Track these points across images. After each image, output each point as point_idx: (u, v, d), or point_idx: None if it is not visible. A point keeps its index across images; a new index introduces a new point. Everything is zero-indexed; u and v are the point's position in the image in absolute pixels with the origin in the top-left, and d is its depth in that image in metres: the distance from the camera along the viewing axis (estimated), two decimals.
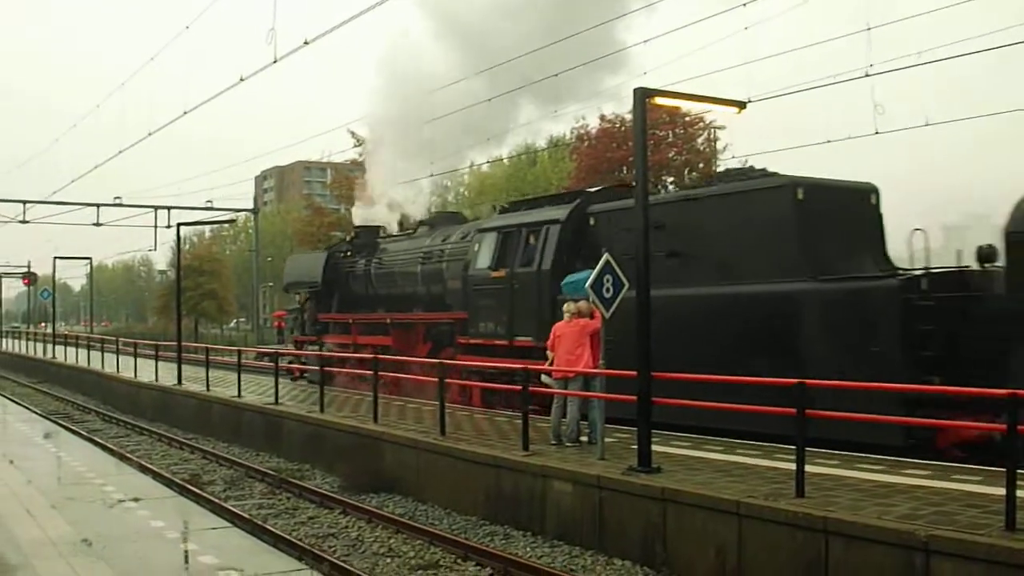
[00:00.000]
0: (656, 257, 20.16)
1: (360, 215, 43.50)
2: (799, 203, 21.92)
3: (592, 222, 27.27)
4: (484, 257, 30.05)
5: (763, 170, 24.60)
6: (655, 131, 58.18)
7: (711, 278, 23.11)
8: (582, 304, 20.90)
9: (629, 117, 61.05)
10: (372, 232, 40.51)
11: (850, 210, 22.71)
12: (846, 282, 20.71)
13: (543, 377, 21.60)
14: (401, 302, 35.78)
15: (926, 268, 20.35)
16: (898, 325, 18.86)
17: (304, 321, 41.84)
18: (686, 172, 67.15)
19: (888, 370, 18.17)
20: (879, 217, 23.44)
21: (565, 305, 21.69)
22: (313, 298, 41.22)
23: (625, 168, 65.62)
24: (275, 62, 28.98)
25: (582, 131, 71.19)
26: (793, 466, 15.36)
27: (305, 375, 39.17)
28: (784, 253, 21.67)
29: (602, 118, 67.83)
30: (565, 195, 32.35)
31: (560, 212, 28.36)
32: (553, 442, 21.37)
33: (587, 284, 19.23)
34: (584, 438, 21.33)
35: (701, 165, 67.48)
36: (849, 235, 22.23)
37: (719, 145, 67.96)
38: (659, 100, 19.34)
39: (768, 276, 21.72)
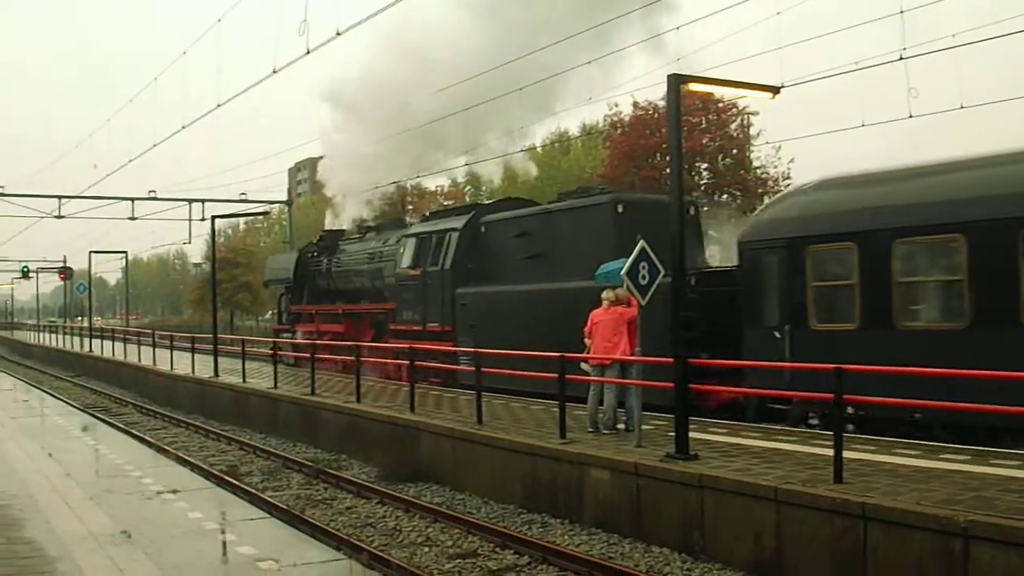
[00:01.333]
0: (525, 260, 30.79)
1: (328, 221, 50.82)
2: (618, 216, 28.17)
3: (483, 230, 34.33)
4: (406, 258, 36.94)
5: (601, 188, 34.02)
6: (688, 118, 58.02)
7: (560, 276, 29.23)
8: (620, 291, 20.88)
9: (662, 104, 60.93)
10: (335, 235, 46.56)
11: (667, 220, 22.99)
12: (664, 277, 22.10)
13: (581, 365, 21.62)
14: (353, 295, 42.85)
15: (699, 269, 26.02)
16: (666, 313, 19.83)
17: (280, 312, 50.23)
18: (720, 158, 67.00)
19: (663, 347, 19.94)
20: (698, 225, 29.73)
21: (603, 293, 21.69)
22: (287, 292, 48.47)
23: (659, 155, 65.49)
24: (308, 53, 28.96)
25: (615, 118, 71.04)
26: (830, 452, 15.36)
27: (283, 360, 41.83)
28: (605, 256, 25.38)
29: (635, 105, 67.73)
30: (465, 207, 40.94)
31: (458, 222, 35.20)
32: (590, 430, 21.42)
33: (622, 271, 19.21)
34: (621, 426, 21.34)
35: (735, 151, 67.31)
36: (666, 242, 21.44)
37: (752, 131, 67.86)
38: (693, 86, 19.35)
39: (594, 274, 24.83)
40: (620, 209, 28.38)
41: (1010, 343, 18.17)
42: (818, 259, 22.40)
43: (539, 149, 72.53)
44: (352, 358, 31.45)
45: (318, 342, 33.74)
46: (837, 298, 22.12)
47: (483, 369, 22.25)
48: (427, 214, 42.70)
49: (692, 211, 29.31)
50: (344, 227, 47.61)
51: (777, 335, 22.63)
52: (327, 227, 49.35)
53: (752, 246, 23.62)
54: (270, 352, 39.34)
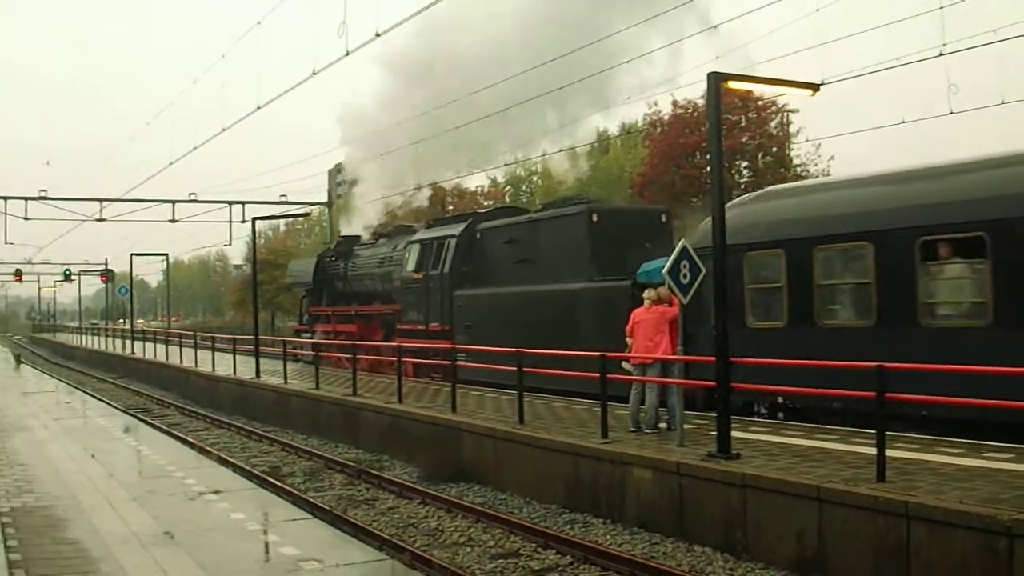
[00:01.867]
0: (514, 264, 34.25)
1: (343, 227, 53.93)
2: (593, 224, 31.19)
3: (479, 236, 37.27)
4: (411, 263, 39.98)
5: (582, 198, 38.15)
6: (728, 116, 57.81)
7: (543, 279, 32.34)
8: (661, 290, 20.87)
9: (701, 102, 60.80)
10: (351, 240, 48.92)
11: (641, 227, 31.73)
12: (602, 283, 29.52)
13: (623, 364, 21.61)
14: (365, 298, 45.37)
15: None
16: (628, 313, 22.77)
17: (302, 313, 52.73)
18: (759, 156, 66.79)
19: (594, 345, 24.00)
20: (669, 231, 32.17)
21: (645, 292, 21.74)
22: (307, 295, 51.45)
23: (698, 154, 65.33)
24: (347, 55, 29.01)
25: (654, 117, 70.90)
26: (873, 451, 15.29)
27: (299, 358, 46.23)
28: (580, 261, 30.77)
29: (674, 104, 67.59)
30: (462, 216, 42.80)
31: (456, 229, 38.20)
32: (632, 429, 21.39)
33: (664, 271, 19.18)
34: (663, 425, 21.32)
35: (775, 149, 67.07)
36: (641, 246, 29.48)
37: (792, 128, 67.62)
38: (733, 84, 19.32)
39: (572, 278, 30.73)
40: (594, 218, 31.51)
41: (910, 340, 19.90)
42: (753, 264, 24.25)
43: (578, 149, 72.64)
44: (368, 356, 35.62)
45: (358, 343, 34.53)
46: (769, 299, 24.05)
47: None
48: (430, 222, 44.35)
49: (664, 219, 33.49)
50: (362, 231, 50.04)
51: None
52: (343, 233, 52.39)
53: (698, 253, 22.28)
54: (295, 351, 43.10)
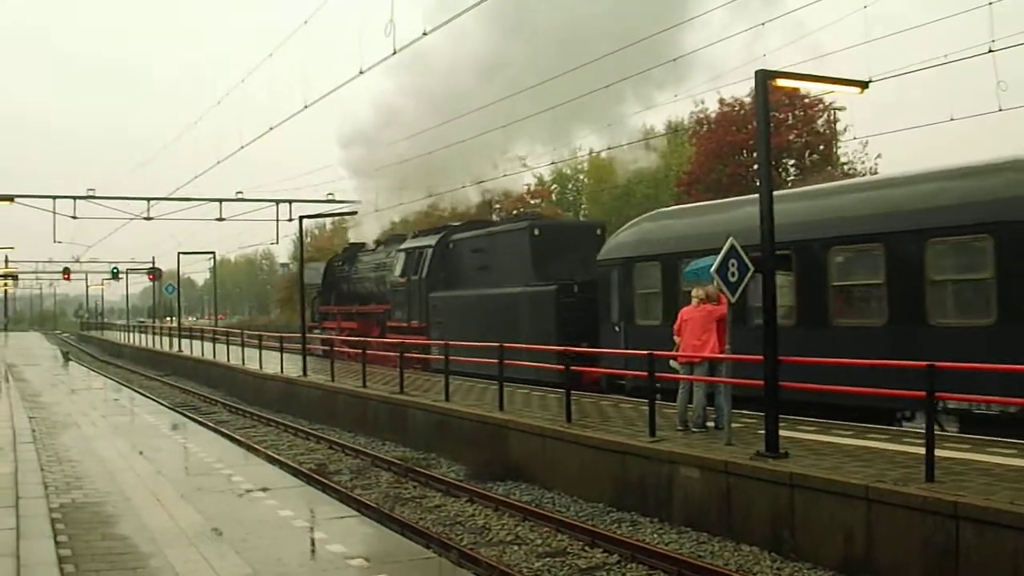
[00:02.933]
0: (476, 271, 40.13)
1: (352, 235, 59.37)
2: (535, 237, 36.47)
3: (451, 246, 42.82)
4: (397, 268, 45.82)
5: (529, 214, 48.34)
6: (775, 113, 57.60)
7: (497, 283, 37.60)
8: (710, 288, 20.81)
9: (748, 100, 60.66)
10: (356, 247, 54.87)
11: (579, 240, 36.32)
12: (535, 287, 34.74)
13: (671, 362, 21.58)
14: (365, 298, 51.03)
15: (579, 280, 33.39)
16: (553, 313, 33.34)
17: (313, 312, 57.23)
18: (806, 154, 66.56)
19: (551, 339, 31.88)
20: (603, 242, 34.25)
21: (693, 290, 21.73)
22: (318, 295, 57.02)
23: (745, 152, 65.17)
24: (394, 53, 29.02)
25: (701, 115, 70.77)
26: (922, 450, 15.25)
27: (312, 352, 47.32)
28: (524, 269, 36.17)
29: (721, 102, 67.45)
30: (439, 228, 47.42)
31: (432, 240, 43.79)
32: (679, 428, 21.40)
33: (712, 269, 19.10)
34: (711, 423, 21.27)
35: (822, 147, 66.82)
36: (579, 257, 34.31)
37: (839, 126, 67.30)
38: (780, 82, 19.25)
39: (515, 283, 36.05)
40: (536, 232, 36.89)
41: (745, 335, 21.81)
42: (640, 273, 29.92)
43: (625, 148, 72.50)
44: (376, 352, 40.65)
45: (399, 341, 37.84)
46: (651, 302, 29.48)
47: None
48: (414, 233, 49.83)
49: (600, 232, 37.67)
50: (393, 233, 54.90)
51: (617, 329, 30.45)
52: (351, 240, 58.45)
53: (603, 264, 31.69)
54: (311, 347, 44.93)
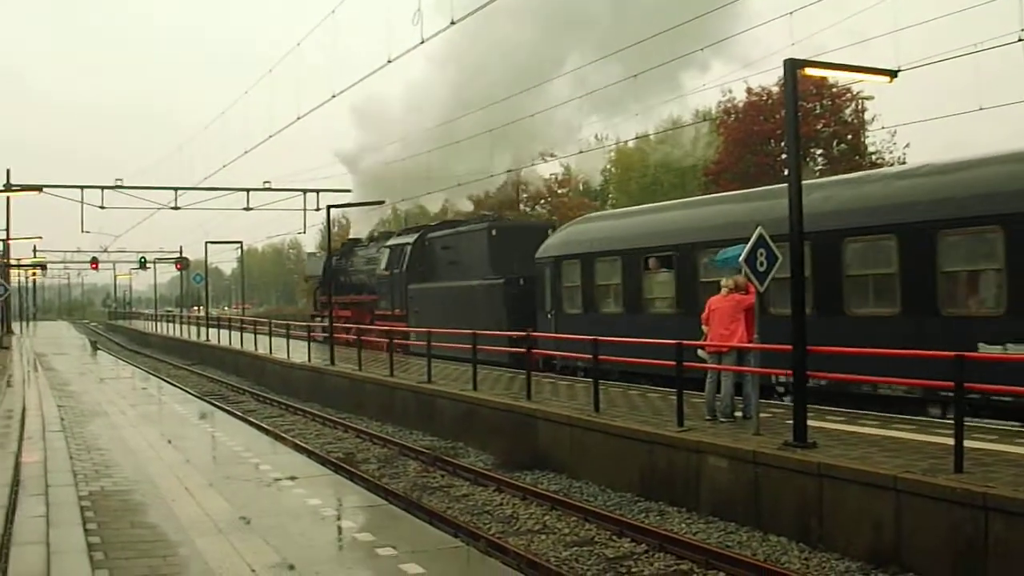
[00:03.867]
0: (447, 265, 45.50)
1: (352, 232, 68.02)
2: (492, 237, 41.87)
3: (427, 243, 48.26)
4: (383, 263, 51.27)
5: (489, 216, 50.52)
6: (802, 103, 57.39)
7: (462, 277, 42.63)
8: (739, 278, 20.75)
9: (775, 90, 60.52)
10: (353, 242, 60.92)
11: (532, 239, 38.89)
12: (489, 281, 40.06)
13: (699, 352, 21.55)
14: (359, 289, 55.73)
15: (524, 275, 38.14)
16: (502, 303, 38.77)
17: (315, 301, 63.73)
18: (834, 144, 66.35)
19: (501, 325, 36.93)
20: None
21: (723, 280, 21.67)
22: (319, 286, 60.65)
23: (773, 141, 65.00)
24: (422, 43, 29.04)
25: (728, 104, 70.61)
26: (951, 441, 15.17)
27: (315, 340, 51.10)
28: (483, 264, 41.71)
29: (748, 91, 67.27)
30: (417, 228, 54.57)
31: (412, 238, 49.41)
32: (707, 417, 21.35)
33: (740, 258, 19.05)
34: (739, 413, 21.22)
35: (850, 136, 66.59)
36: (531, 254, 37.39)
37: (867, 116, 67.06)
38: (809, 71, 19.20)
39: (475, 277, 41.57)
40: (493, 233, 42.34)
41: (642, 323, 29.96)
42: (566, 270, 35.17)
43: (652, 137, 72.35)
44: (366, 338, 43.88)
45: (425, 330, 38.11)
46: (574, 294, 34.75)
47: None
48: (399, 231, 57.21)
49: (551, 232, 39.92)
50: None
51: (549, 316, 35.64)
52: (351, 236, 65.60)
53: (539, 261, 36.73)
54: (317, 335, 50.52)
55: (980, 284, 21.15)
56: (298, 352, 47.17)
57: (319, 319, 58.63)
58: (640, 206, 42.68)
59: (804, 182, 18.28)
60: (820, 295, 23.43)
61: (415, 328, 42.94)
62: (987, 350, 19.31)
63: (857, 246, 23.36)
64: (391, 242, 51.76)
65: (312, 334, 50.12)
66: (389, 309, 49.60)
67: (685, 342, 21.46)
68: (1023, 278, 19.45)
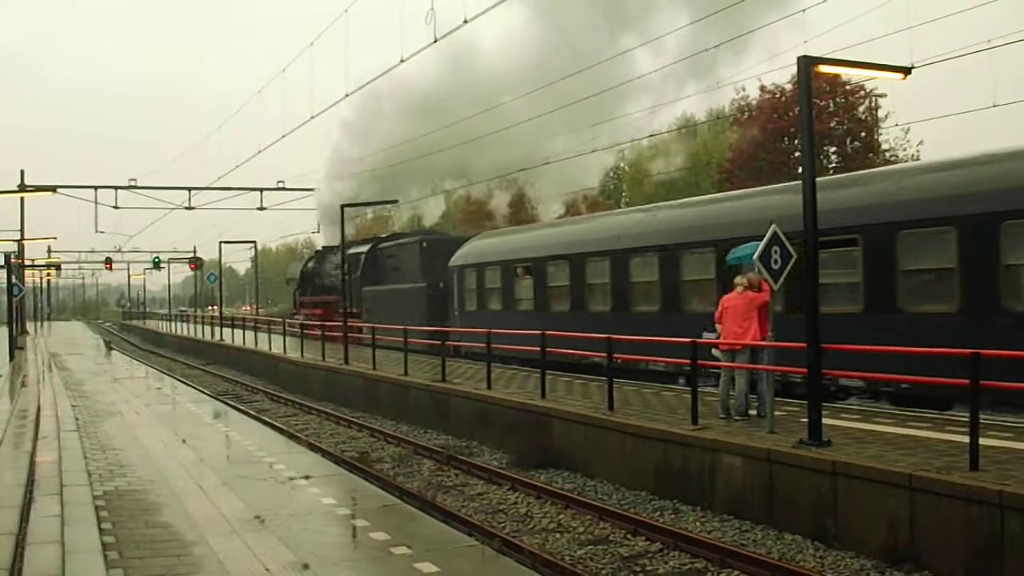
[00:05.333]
0: (391, 271, 54.89)
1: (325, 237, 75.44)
2: (423, 248, 50.59)
3: (378, 253, 58.14)
4: (349, 269, 53.04)
5: (422, 230, 63.52)
6: (816, 100, 57.28)
7: (401, 281, 50.56)
8: (752, 276, 20.74)
9: (789, 87, 60.48)
10: (327, 249, 68.57)
11: (456, 250, 46.53)
12: (416, 285, 49.36)
13: (712, 351, 21.53)
14: (328, 291, 63.73)
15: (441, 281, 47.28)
16: (425, 303, 47.21)
17: (294, 301, 73.56)
18: (848, 141, 66.25)
19: (424, 321, 44.87)
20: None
21: (736, 278, 21.63)
22: (298, 288, 71.54)
23: (787, 139, 64.92)
24: (435, 42, 29.04)
25: (742, 102, 70.56)
26: (966, 439, 15.13)
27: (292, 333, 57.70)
28: (415, 271, 50.35)
29: (762, 89, 67.21)
30: (371, 239, 64.11)
31: (366, 247, 59.89)
32: (722, 416, 21.33)
33: (755, 256, 19.02)
34: (753, 411, 21.22)
35: (863, 134, 66.47)
36: None
37: (880, 113, 66.94)
38: (823, 68, 19.17)
39: (409, 282, 50.70)
40: (424, 245, 51.23)
41: (540, 318, 36.89)
42: (467, 276, 44.64)
43: (666, 136, 72.39)
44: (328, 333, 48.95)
45: (348, 324, 45.91)
46: (472, 295, 44.19)
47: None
48: (359, 241, 66.12)
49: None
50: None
51: (456, 314, 44.89)
52: (324, 244, 73.25)
53: (450, 268, 46.15)
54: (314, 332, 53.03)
55: None
56: (311, 351, 47.10)
57: (297, 316, 67.24)
58: (516, 227, 55.87)
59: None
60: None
61: (365, 323, 49.18)
62: None
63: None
64: (351, 251, 57.48)
65: (289, 328, 56.69)
66: (349, 308, 53.17)
67: (616, 337, 24.69)
68: None
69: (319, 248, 74.17)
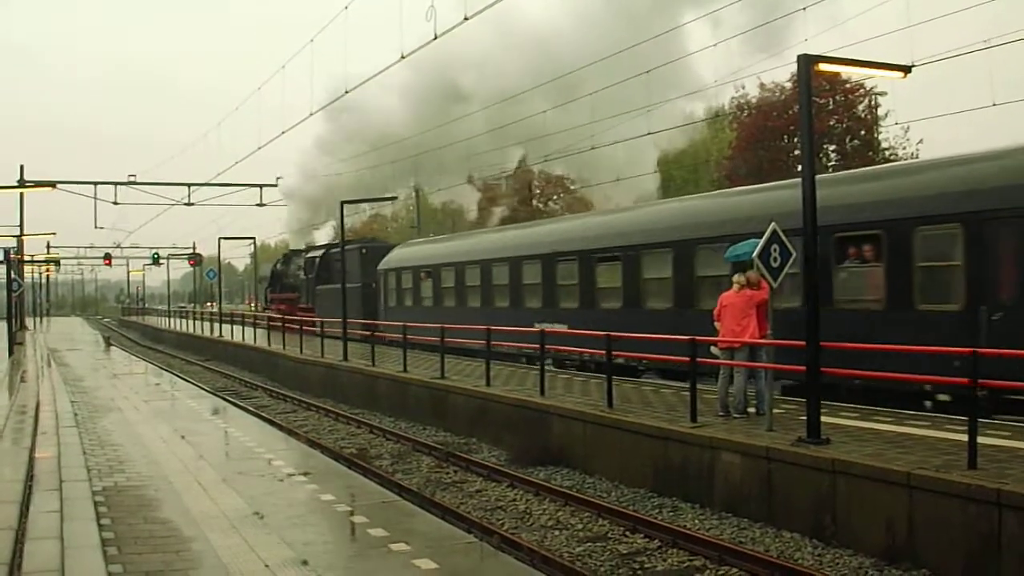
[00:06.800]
0: (338, 273, 52.41)
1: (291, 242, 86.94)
2: (363, 254, 58.63)
3: (328, 257, 63.75)
4: (305, 270, 68.54)
5: (366, 239, 72.61)
6: (815, 99, 57.00)
7: (348, 281, 47.45)
8: (751, 274, 20.75)
9: (788, 85, 60.45)
10: (294, 252, 77.88)
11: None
12: (356, 285, 53.64)
13: (711, 348, 21.55)
14: (291, 289, 73.08)
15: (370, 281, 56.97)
16: (360, 300, 54.83)
17: (265, 298, 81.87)
18: (847, 140, 66.16)
19: (359, 315, 51.35)
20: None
21: (735, 276, 21.65)
22: (269, 286, 79.92)
23: (786, 137, 64.85)
24: (435, 39, 29.04)
25: (741, 100, 70.48)
26: (964, 437, 15.17)
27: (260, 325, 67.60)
28: (357, 273, 55.98)
29: (762, 87, 67.11)
30: (326, 245, 70.04)
31: (319, 252, 67.35)
32: (720, 413, 21.33)
33: (754, 254, 19.02)
34: (751, 409, 21.23)
35: (863, 132, 66.38)
36: None
37: (880, 111, 66.82)
38: (823, 66, 19.17)
39: (360, 280, 56.51)
40: (364, 251, 59.49)
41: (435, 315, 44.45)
42: (389, 278, 54.51)
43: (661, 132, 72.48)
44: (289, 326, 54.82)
45: (303, 318, 56.49)
46: (393, 294, 53.81)
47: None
48: (315, 246, 74.18)
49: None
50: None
51: (383, 309, 53.59)
52: (291, 247, 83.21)
53: (378, 271, 55.47)
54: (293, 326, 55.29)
55: None
56: (310, 347, 47.16)
57: (268, 310, 76.93)
58: (425, 239, 65.15)
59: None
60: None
61: (317, 318, 55.01)
62: None
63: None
64: (309, 255, 70.03)
65: (256, 322, 69.24)
66: (307, 304, 67.12)
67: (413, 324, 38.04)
68: None
69: (293, 249, 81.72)
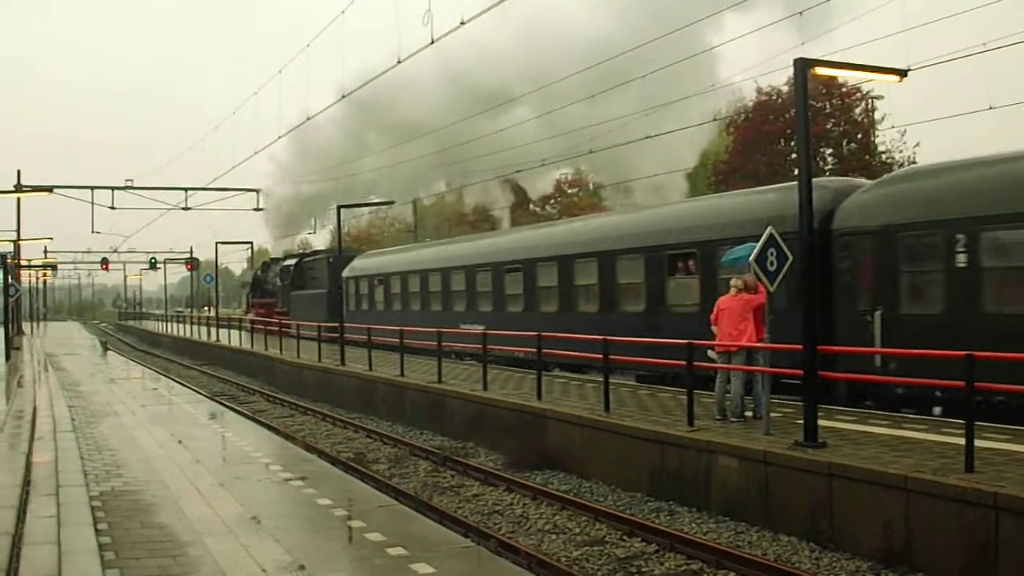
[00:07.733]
0: (310, 279, 69.56)
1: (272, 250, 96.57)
2: (330, 263, 61.60)
3: (302, 265, 71.12)
4: (280, 277, 75.78)
5: (333, 250, 65.53)
6: (812, 102, 57.13)
7: (317, 287, 63.49)
8: (748, 278, 20.75)
9: (785, 89, 60.50)
10: (274, 260, 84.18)
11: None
12: (324, 291, 62.88)
13: (708, 352, 21.55)
14: (270, 294, 78.17)
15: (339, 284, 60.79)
16: (326, 304, 60.00)
17: (247, 303, 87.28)
18: (844, 143, 66.21)
19: (326, 318, 54.96)
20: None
21: (732, 280, 21.64)
22: (250, 292, 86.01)
23: (783, 140, 64.89)
24: (432, 43, 29.06)
25: (738, 104, 70.47)
26: (961, 441, 15.17)
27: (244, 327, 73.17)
28: (324, 280, 63.61)
29: (758, 90, 67.13)
30: (298, 254, 78.87)
31: (293, 261, 73.79)
32: (718, 417, 21.31)
33: (751, 258, 19.03)
34: (749, 413, 21.23)
35: (859, 136, 66.42)
36: None
37: (877, 115, 66.86)
38: (820, 70, 19.19)
39: (322, 287, 63.80)
40: (331, 260, 61.72)
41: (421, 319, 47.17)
42: (351, 284, 58.61)
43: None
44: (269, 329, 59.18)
45: (295, 322, 60.62)
46: (355, 299, 57.80)
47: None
48: (290, 255, 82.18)
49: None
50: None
51: (345, 313, 53.28)
52: (271, 255, 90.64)
53: (343, 278, 58.87)
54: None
55: None
56: (307, 352, 47.17)
57: (249, 314, 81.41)
58: (380, 249, 74.72)
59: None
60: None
61: (292, 320, 61.42)
62: None
63: None
64: (285, 263, 77.23)
65: (241, 325, 75.43)
66: (283, 308, 71.90)
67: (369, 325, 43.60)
68: None
69: (275, 256, 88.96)
